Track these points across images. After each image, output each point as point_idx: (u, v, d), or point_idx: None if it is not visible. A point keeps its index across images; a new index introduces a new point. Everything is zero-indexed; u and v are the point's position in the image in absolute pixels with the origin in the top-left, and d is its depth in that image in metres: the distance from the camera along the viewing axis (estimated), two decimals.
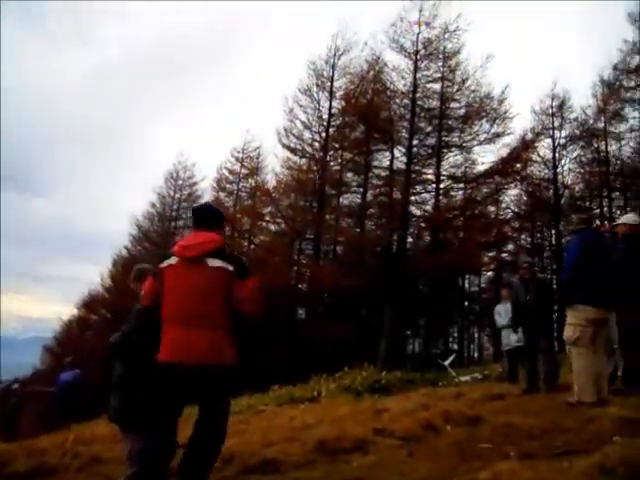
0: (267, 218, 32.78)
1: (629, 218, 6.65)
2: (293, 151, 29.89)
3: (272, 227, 33.67)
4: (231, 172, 36.37)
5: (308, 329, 27.10)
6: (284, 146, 29.77)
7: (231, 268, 3.56)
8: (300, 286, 31.92)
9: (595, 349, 5.67)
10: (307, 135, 29.87)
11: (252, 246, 33.04)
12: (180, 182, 39.58)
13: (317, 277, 27.10)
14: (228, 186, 36.28)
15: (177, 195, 39.55)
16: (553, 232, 31.96)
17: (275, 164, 41.33)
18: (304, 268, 31.72)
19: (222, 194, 36.16)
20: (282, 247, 31.89)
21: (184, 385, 3.57)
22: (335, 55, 29.51)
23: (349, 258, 33.04)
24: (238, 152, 36.33)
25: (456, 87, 26.92)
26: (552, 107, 30.77)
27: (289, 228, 30.24)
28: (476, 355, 44.75)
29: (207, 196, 37.59)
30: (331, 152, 29.57)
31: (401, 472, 3.72)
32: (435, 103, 27.23)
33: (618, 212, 28.44)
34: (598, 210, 31.79)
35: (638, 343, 5.99)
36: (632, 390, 5.62)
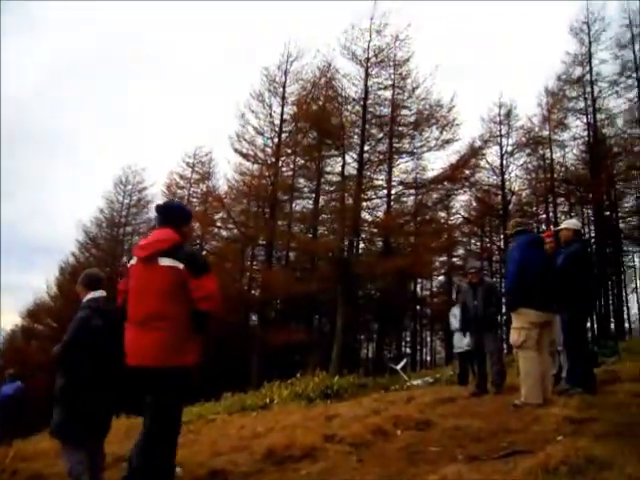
0: (219, 224, 32.52)
1: (571, 223, 6.83)
2: (245, 156, 29.70)
3: (224, 233, 33.43)
4: (182, 177, 35.97)
5: (261, 335, 26.90)
6: (236, 151, 29.59)
7: (181, 266, 3.48)
8: (253, 292, 31.71)
9: (540, 350, 5.81)
10: (259, 140, 29.78)
11: (203, 252, 32.65)
12: (129, 187, 38.79)
13: (269, 283, 26.97)
14: (179, 191, 35.81)
15: (126, 201, 38.73)
16: (501, 237, 32.68)
17: (227, 169, 41.11)
18: (256, 274, 31.52)
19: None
20: (234, 253, 31.68)
21: (141, 387, 3.51)
22: (287, 61, 29.57)
23: (301, 264, 33.10)
24: (189, 157, 36.01)
25: (407, 94, 27.29)
26: (499, 115, 31.58)
27: (241, 234, 30.04)
28: (428, 358, 45.41)
29: (157, 201, 36.88)
30: (283, 158, 29.51)
31: (350, 478, 3.70)
32: (386, 110, 27.54)
33: (563, 217, 29.38)
34: (544, 215, 32.75)
35: (581, 344, 6.15)
36: (575, 390, 5.76)
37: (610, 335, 25.05)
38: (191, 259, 3.58)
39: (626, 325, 32.52)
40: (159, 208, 4.05)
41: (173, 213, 3.90)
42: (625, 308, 33.24)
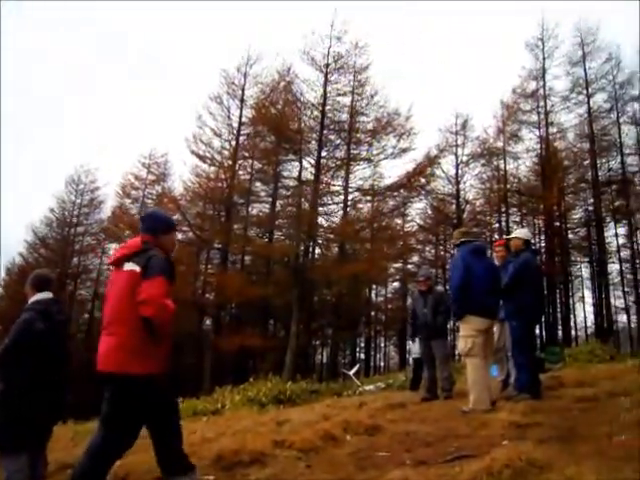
0: None
1: (522, 232, 6.97)
2: (202, 158, 29.33)
3: (179, 235, 32.87)
4: (137, 178, 35.39)
5: (214, 340, 26.60)
6: (193, 153, 29.16)
7: (138, 269, 3.40)
8: (207, 296, 31.36)
9: (485, 356, 5.95)
10: (216, 143, 29.50)
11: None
12: (82, 187, 37.88)
13: (224, 287, 26.68)
14: (133, 192, 35.26)
15: (78, 200, 37.80)
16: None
17: (183, 171, 40.60)
18: (211, 277, 31.19)
19: (127, 200, 35.09)
20: (189, 256, 31.26)
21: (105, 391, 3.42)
22: (247, 64, 29.52)
23: (257, 268, 32.90)
24: (145, 157, 35.49)
25: (365, 101, 27.55)
26: (456, 125, 32.12)
27: (196, 237, 29.68)
28: (382, 364, 45.68)
29: (111, 202, 36.36)
30: (240, 161, 29.37)
31: None
32: (344, 116, 27.73)
33: (514, 227, 30.03)
34: (497, 225, 33.44)
35: (528, 351, 6.27)
36: (522, 396, 5.87)
37: (557, 342, 25.71)
38: (148, 262, 3.45)
39: (573, 333, 33.45)
40: (141, 216, 4.08)
41: (150, 221, 3.82)
42: (572, 316, 34.23)
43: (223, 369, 29.29)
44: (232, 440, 5.48)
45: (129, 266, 3.46)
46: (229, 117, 29.37)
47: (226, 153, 29.18)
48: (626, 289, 34.26)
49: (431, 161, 28.05)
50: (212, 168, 29.59)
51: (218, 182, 28.69)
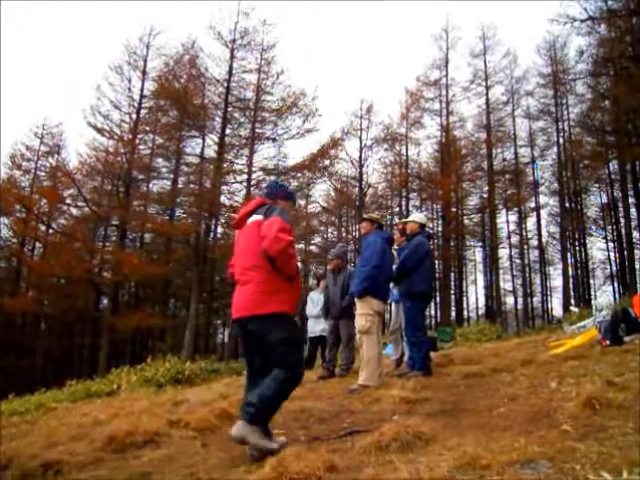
0: (68, 201, 30.55)
1: (418, 217, 7.17)
2: (100, 131, 27.72)
3: (74, 211, 31.52)
4: (28, 148, 33.35)
5: (111, 319, 25.73)
6: (90, 125, 27.52)
7: (261, 217, 3.61)
8: (104, 274, 30.20)
9: (379, 335, 6.16)
10: (116, 115, 28.00)
11: (50, 230, 30.60)
12: None
13: (122, 265, 25.77)
14: (25, 164, 33.25)
15: None
16: (357, 227, 33.89)
17: (79, 144, 38.81)
18: (108, 255, 30.04)
19: (17, 172, 32.99)
20: (84, 232, 30.02)
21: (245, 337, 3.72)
22: (150, 34, 28.27)
23: (157, 246, 32.15)
24: (38, 127, 33.51)
25: (271, 80, 27.34)
26: (361, 110, 32.57)
27: (93, 212, 28.42)
28: None
29: None
30: (141, 135, 28.19)
31: (191, 464, 3.63)
32: (250, 94, 27.44)
33: (414, 211, 31.04)
34: (397, 208, 34.43)
35: (419, 331, 6.51)
36: (413, 373, 6.12)
37: (449, 322, 27.00)
38: (268, 209, 3.66)
39: (465, 313, 35.22)
40: (265, 185, 4.49)
41: (271, 188, 4.09)
42: (465, 298, 36.00)
43: (120, 349, 28.52)
44: (126, 421, 5.34)
45: (253, 218, 3.69)
46: (130, 89, 28.00)
47: (126, 126, 27.88)
48: (514, 273, 36.50)
49: (335, 143, 28.32)
50: (111, 142, 28.26)
51: (117, 156, 27.48)
